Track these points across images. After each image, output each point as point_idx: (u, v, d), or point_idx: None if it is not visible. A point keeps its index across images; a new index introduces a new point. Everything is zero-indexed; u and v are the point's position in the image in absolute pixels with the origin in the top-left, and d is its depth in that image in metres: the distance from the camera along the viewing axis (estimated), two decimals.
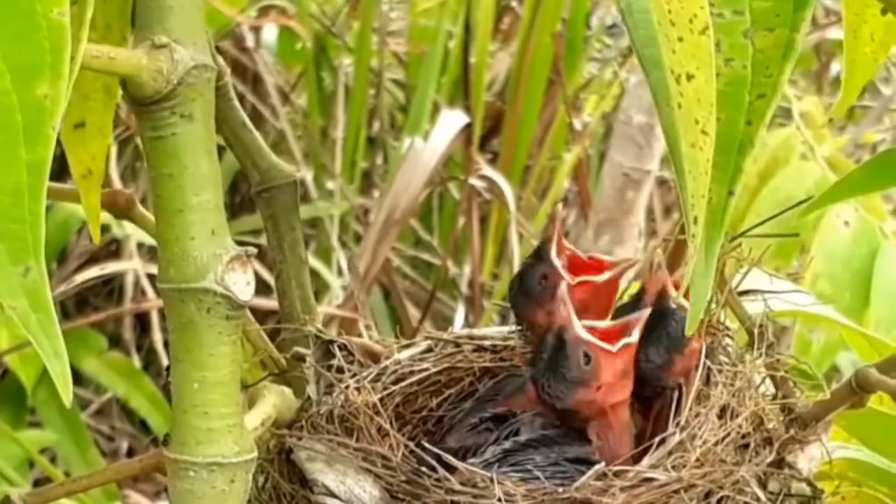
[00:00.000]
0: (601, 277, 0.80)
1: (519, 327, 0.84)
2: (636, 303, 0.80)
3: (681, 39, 0.61)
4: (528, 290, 0.81)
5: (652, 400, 0.79)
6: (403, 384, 0.83)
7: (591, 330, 0.76)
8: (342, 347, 0.82)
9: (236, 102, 0.81)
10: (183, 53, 0.61)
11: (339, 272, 2.25)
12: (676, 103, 0.62)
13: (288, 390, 0.79)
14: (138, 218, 0.84)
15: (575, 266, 0.81)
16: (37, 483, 1.83)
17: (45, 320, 0.55)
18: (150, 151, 0.63)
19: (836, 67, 2.48)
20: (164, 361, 2.05)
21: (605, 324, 0.77)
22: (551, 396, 0.76)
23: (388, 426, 0.77)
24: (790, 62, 0.65)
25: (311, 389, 0.80)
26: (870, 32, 0.79)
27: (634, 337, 0.76)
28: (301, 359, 0.81)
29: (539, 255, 0.81)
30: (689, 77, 0.62)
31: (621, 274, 0.80)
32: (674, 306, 0.78)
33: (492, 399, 0.82)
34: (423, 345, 0.85)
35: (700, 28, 0.61)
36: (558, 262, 0.80)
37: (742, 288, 0.81)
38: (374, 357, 0.83)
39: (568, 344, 0.75)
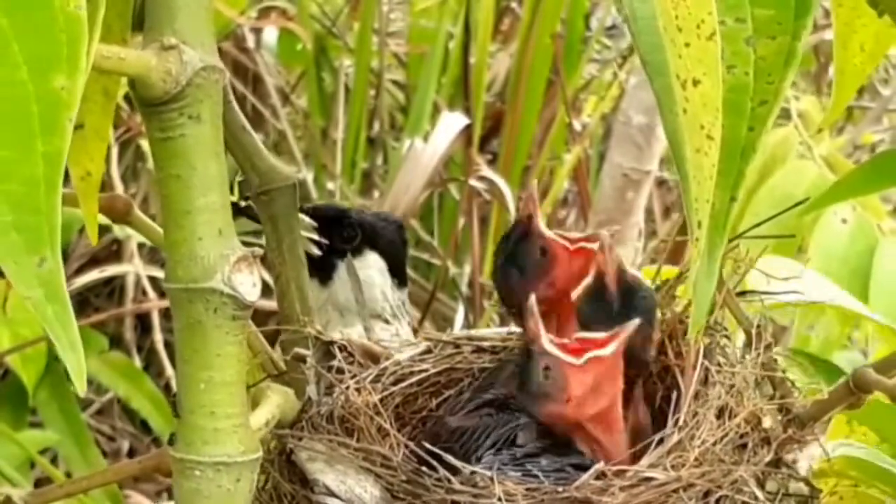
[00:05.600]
0: (593, 245, 0.79)
1: (510, 310, 0.83)
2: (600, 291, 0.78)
3: (688, 45, 0.62)
4: (525, 267, 0.81)
5: (633, 381, 0.79)
6: (403, 385, 0.84)
7: (582, 340, 0.76)
8: (342, 348, 0.82)
9: (235, 105, 0.82)
10: (192, 55, 0.62)
11: None
12: (682, 108, 0.63)
13: (290, 391, 0.80)
14: (136, 222, 0.85)
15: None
16: (38, 483, 1.83)
17: (60, 311, 0.56)
18: (157, 152, 0.63)
19: None
20: (165, 362, 2.06)
21: (600, 335, 0.76)
22: (521, 409, 0.77)
23: (388, 426, 0.78)
24: (792, 69, 0.65)
25: (311, 390, 0.81)
26: (860, 43, 0.79)
27: (608, 350, 0.75)
28: (301, 360, 0.82)
29: (526, 232, 0.81)
30: (696, 82, 0.62)
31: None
32: (632, 282, 0.78)
33: (489, 387, 0.83)
34: (423, 346, 0.86)
35: (707, 34, 0.62)
36: (552, 234, 0.80)
37: (740, 289, 0.82)
38: (374, 358, 0.84)
39: (533, 356, 0.76)
